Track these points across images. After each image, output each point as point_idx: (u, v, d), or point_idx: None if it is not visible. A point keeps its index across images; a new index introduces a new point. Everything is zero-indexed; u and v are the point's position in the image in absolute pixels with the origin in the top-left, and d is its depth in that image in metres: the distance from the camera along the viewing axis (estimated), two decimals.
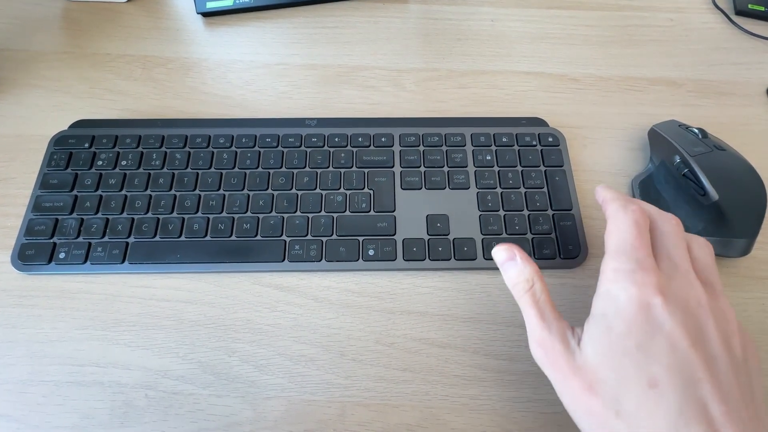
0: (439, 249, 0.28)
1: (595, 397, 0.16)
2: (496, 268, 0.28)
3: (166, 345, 0.27)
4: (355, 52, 0.39)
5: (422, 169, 0.31)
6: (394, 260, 0.28)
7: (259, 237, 0.29)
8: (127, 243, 0.29)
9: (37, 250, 0.28)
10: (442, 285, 0.28)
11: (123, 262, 0.28)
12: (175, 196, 0.30)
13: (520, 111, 0.36)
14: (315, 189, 0.30)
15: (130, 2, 0.42)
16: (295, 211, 0.30)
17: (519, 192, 0.30)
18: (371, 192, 0.30)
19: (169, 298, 0.28)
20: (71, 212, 0.30)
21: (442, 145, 0.32)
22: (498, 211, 0.30)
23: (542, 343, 0.19)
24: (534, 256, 0.28)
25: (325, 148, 0.32)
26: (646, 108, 0.36)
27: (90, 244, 0.29)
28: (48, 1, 0.42)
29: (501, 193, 0.30)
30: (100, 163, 0.31)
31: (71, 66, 0.38)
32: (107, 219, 0.29)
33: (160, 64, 0.39)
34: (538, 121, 0.34)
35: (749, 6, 0.40)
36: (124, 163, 0.31)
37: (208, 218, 0.29)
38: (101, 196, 0.30)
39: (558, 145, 0.32)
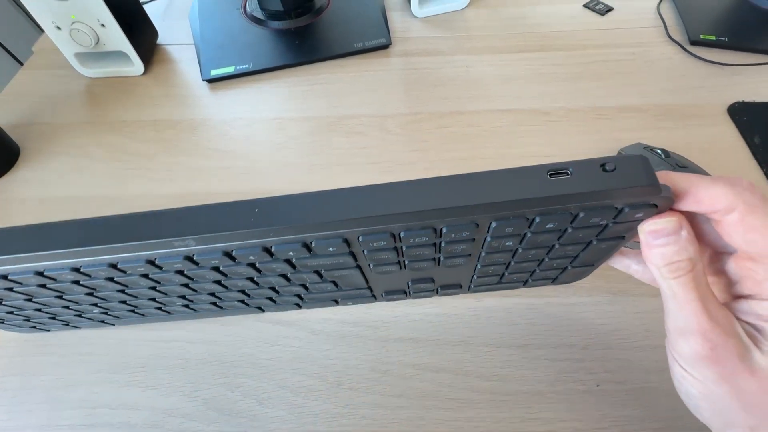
0: (421, 293, 0.26)
1: None
2: (481, 292, 0.29)
3: (172, 384, 0.28)
4: (344, 104, 0.43)
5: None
6: (374, 302, 0.27)
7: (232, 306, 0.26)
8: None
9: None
10: (433, 311, 0.30)
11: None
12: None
13: (498, 145, 0.38)
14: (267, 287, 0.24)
15: (145, 75, 0.48)
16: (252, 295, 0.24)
17: (535, 260, 0.22)
18: (335, 282, 0.23)
19: (177, 338, 0.30)
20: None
21: (432, 245, 0.19)
22: (497, 272, 0.24)
23: (708, 335, 0.16)
24: (527, 282, 0.25)
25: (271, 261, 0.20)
26: (616, 134, 0.38)
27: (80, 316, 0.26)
28: (72, 79, 0.47)
29: (509, 262, 0.22)
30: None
31: (91, 134, 0.43)
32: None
33: (169, 126, 0.43)
34: (638, 170, 0.16)
35: (701, 36, 0.43)
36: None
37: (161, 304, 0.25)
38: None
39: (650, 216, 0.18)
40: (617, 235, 0.20)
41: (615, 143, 0.37)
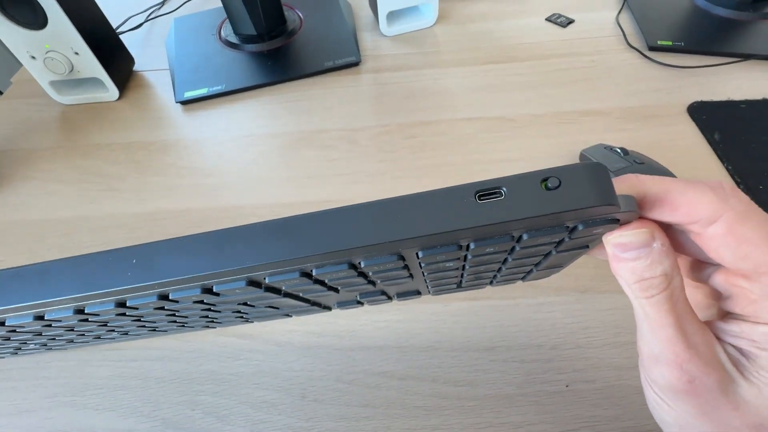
0: (377, 302, 0.24)
1: None
2: (447, 294, 0.28)
3: (131, 405, 0.27)
4: (314, 119, 0.44)
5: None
6: (330, 311, 0.25)
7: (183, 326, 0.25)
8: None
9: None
10: (399, 317, 0.29)
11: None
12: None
13: (464, 151, 0.39)
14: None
15: (120, 100, 0.48)
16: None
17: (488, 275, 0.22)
18: (271, 306, 0.22)
19: (137, 357, 0.29)
20: None
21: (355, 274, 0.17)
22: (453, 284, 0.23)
23: (685, 366, 0.14)
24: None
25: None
26: (579, 136, 0.39)
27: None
28: (48, 107, 0.48)
29: (462, 274, 0.21)
30: None
31: (64, 158, 0.43)
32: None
33: (142, 148, 0.43)
34: (595, 183, 0.13)
35: (658, 42, 0.45)
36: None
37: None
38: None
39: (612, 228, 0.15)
40: (579, 246, 0.17)
41: (578, 145, 0.37)
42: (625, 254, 0.14)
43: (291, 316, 0.26)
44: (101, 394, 0.28)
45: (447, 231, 0.13)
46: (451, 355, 0.27)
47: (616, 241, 0.15)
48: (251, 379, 0.27)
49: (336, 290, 0.19)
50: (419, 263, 0.16)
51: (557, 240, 0.15)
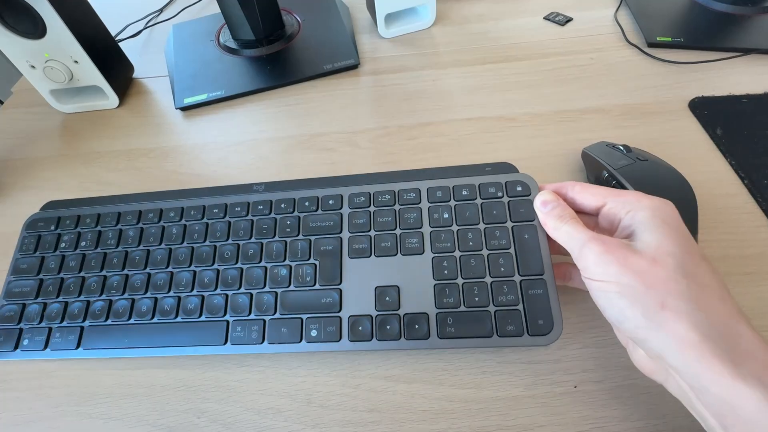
0: (387, 327, 0.26)
1: (661, 268, 0.20)
2: (450, 348, 0.27)
3: (137, 413, 0.27)
4: (315, 122, 0.44)
5: (372, 233, 0.29)
6: (338, 341, 0.26)
7: (203, 318, 0.28)
8: (82, 327, 0.29)
9: (5, 337, 0.29)
10: None
11: (77, 348, 0.28)
12: (126, 276, 0.30)
13: (464, 152, 0.39)
14: (260, 262, 0.29)
15: (120, 107, 0.48)
16: (239, 288, 0.29)
17: (480, 255, 0.27)
18: (316, 263, 0.29)
19: (142, 365, 0.29)
20: (36, 297, 0.30)
21: (393, 204, 0.30)
22: (456, 279, 0.27)
23: (599, 239, 0.22)
24: (496, 333, 0.25)
25: (272, 215, 0.31)
26: (580, 134, 0.39)
27: (50, 329, 0.29)
28: (48, 116, 0.48)
29: (459, 257, 0.27)
30: (62, 245, 0.32)
31: (64, 166, 0.43)
32: (65, 303, 0.30)
33: (142, 154, 0.43)
34: (506, 167, 0.31)
35: (657, 38, 0.44)
36: (83, 243, 0.32)
37: (156, 299, 0.29)
38: (62, 279, 0.31)
39: (528, 195, 0.29)
40: (525, 218, 0.28)
41: (580, 143, 0.37)
42: (547, 207, 0.26)
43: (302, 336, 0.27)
44: (107, 403, 0.28)
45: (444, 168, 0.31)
46: (457, 358, 0.27)
47: (542, 199, 0.26)
48: (256, 386, 0.27)
49: (371, 247, 0.29)
50: (428, 210, 0.30)
51: (501, 195, 0.29)
